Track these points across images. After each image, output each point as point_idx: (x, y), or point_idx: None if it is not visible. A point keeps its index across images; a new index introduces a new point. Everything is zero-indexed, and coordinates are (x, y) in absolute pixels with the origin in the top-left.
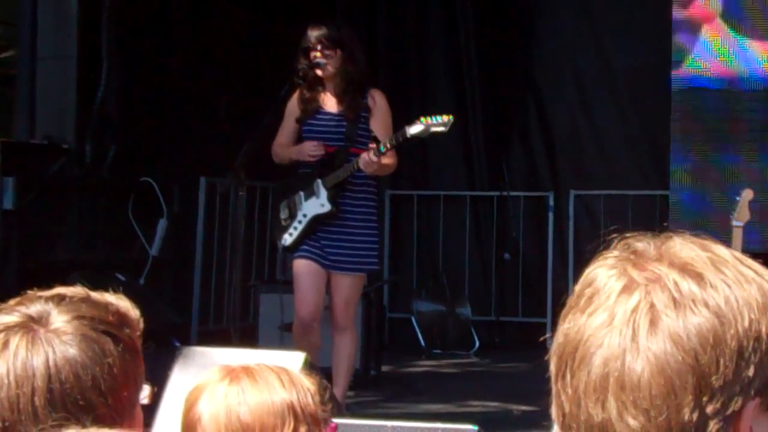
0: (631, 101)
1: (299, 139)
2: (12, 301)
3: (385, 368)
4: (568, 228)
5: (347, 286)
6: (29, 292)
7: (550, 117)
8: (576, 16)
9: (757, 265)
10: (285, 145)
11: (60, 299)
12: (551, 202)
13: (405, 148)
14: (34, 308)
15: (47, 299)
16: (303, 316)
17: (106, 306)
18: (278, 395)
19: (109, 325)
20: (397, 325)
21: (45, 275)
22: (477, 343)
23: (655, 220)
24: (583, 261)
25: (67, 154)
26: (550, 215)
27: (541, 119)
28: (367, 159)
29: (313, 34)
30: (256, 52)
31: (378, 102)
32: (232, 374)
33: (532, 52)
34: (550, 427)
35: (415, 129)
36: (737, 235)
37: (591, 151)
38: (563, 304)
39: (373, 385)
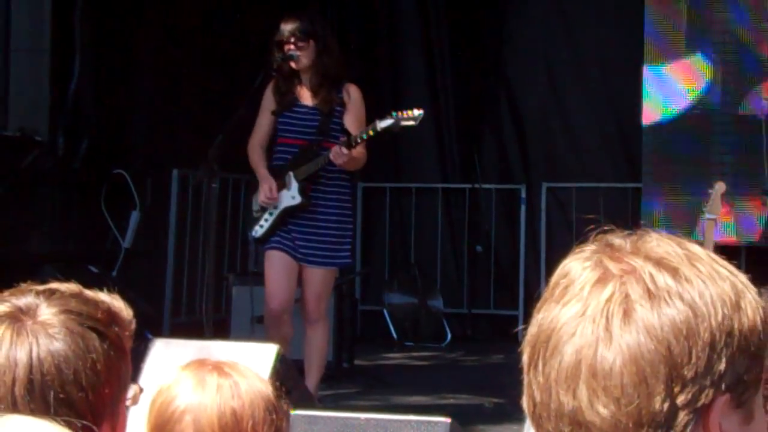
0: (603, 94)
1: (276, 132)
2: (6, 292)
3: (357, 361)
4: (540, 220)
5: (318, 280)
6: (23, 284)
7: (521, 109)
8: (547, 8)
9: (729, 265)
10: (260, 150)
11: (51, 293)
12: (523, 195)
13: (377, 140)
14: (24, 300)
15: (39, 292)
16: (273, 308)
17: (96, 303)
18: (264, 390)
19: (97, 321)
20: (369, 317)
21: (18, 268)
22: (449, 336)
23: (627, 212)
24: (555, 253)
25: (40, 146)
26: (523, 207)
27: (513, 112)
28: (337, 151)
29: (287, 27)
30: (229, 45)
31: (353, 96)
32: (217, 369)
33: (503, 45)
34: (523, 420)
35: (385, 123)
36: (710, 228)
37: (563, 143)
38: (539, 296)
39: (345, 378)
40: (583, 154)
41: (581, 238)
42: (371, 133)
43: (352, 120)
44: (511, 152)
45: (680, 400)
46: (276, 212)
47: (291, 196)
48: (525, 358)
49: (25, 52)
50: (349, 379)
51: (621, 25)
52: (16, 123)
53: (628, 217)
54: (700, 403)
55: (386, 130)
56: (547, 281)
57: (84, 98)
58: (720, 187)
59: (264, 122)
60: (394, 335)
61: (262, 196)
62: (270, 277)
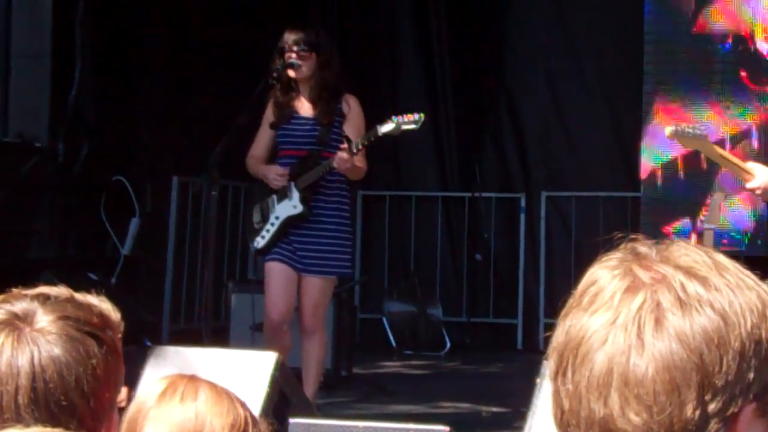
0: (602, 103)
1: (275, 144)
2: None
3: (356, 369)
4: (540, 229)
5: (317, 289)
6: (13, 289)
7: (521, 118)
8: (548, 17)
9: (753, 275)
10: (259, 158)
11: (45, 298)
12: (523, 203)
13: (377, 148)
14: (20, 306)
15: (32, 298)
16: (273, 319)
17: (90, 307)
18: (240, 410)
19: (94, 326)
20: (368, 325)
21: (17, 274)
22: (448, 344)
23: (626, 221)
24: (554, 262)
25: (40, 152)
26: (522, 216)
27: (513, 120)
28: (340, 156)
29: (291, 36)
30: (231, 53)
31: (353, 108)
32: (185, 390)
33: (503, 53)
34: (521, 428)
35: (386, 127)
36: (708, 238)
37: (562, 152)
38: (563, 304)
39: (344, 386)
40: (582, 164)
41: (607, 246)
42: (372, 138)
43: (352, 130)
44: (511, 161)
45: (711, 408)
46: (277, 223)
47: (292, 206)
48: (552, 365)
49: (26, 58)
50: (348, 388)
51: (621, 35)
52: (16, 129)
53: (628, 226)
54: (729, 412)
55: (387, 134)
56: (546, 290)
57: (84, 105)
58: (719, 197)
59: (263, 136)
60: (393, 343)
61: (273, 178)
62: (270, 289)
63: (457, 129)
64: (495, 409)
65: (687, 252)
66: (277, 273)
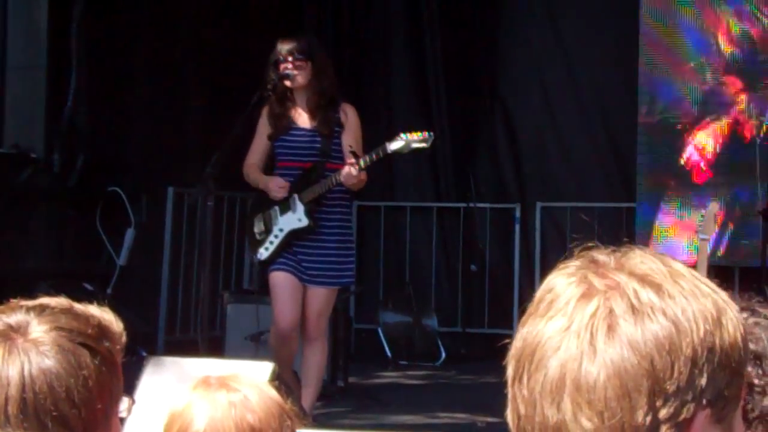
0: (597, 113)
1: (272, 156)
2: None
3: (351, 379)
4: (535, 240)
5: (322, 299)
6: (12, 300)
7: (516, 128)
8: (542, 27)
9: (710, 282)
10: (256, 167)
11: (41, 309)
12: (518, 214)
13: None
14: (15, 317)
15: (29, 309)
16: (283, 328)
17: (87, 318)
18: (275, 398)
19: (88, 337)
20: (363, 336)
21: (12, 285)
22: (443, 354)
23: (622, 232)
24: (549, 272)
25: (36, 163)
26: (517, 227)
27: (508, 131)
28: (348, 172)
29: (284, 46)
30: (225, 62)
31: (350, 116)
32: (225, 386)
33: (498, 64)
34: None
35: (395, 145)
36: (703, 249)
37: (557, 163)
38: (523, 311)
39: (340, 397)
40: (577, 174)
41: (566, 254)
42: (381, 154)
43: (350, 140)
44: (506, 171)
45: (662, 414)
46: (281, 235)
47: (297, 219)
48: (510, 371)
49: (21, 68)
50: (343, 398)
51: (616, 45)
52: (12, 140)
53: (623, 236)
54: (681, 417)
55: (396, 152)
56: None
57: (80, 115)
58: (713, 207)
59: (259, 147)
60: (389, 354)
61: (274, 190)
62: (277, 299)
63: (451, 139)
64: (490, 420)
65: (643, 260)
66: (283, 283)
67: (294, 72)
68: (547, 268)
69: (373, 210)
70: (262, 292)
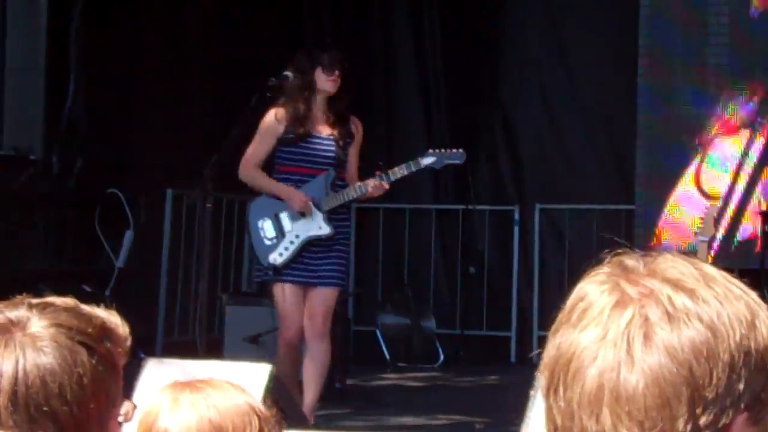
0: (596, 115)
1: (274, 158)
2: (0, 304)
3: (350, 381)
4: (533, 242)
5: (329, 298)
6: (18, 297)
7: (515, 130)
8: (542, 31)
9: (741, 284)
10: (262, 171)
11: (44, 307)
12: (517, 216)
13: (370, 160)
14: (17, 312)
15: (32, 305)
16: (290, 338)
17: (89, 318)
18: (240, 398)
19: (87, 336)
20: (361, 338)
21: (11, 286)
22: (441, 356)
23: (620, 234)
24: (548, 274)
25: (35, 165)
26: (516, 229)
27: (507, 132)
28: (376, 184)
29: (330, 54)
30: (224, 64)
31: (359, 130)
32: (189, 386)
33: (498, 67)
34: None
35: (428, 160)
36: (702, 250)
37: (556, 165)
38: (553, 320)
39: (338, 398)
40: (576, 176)
41: (595, 260)
42: (413, 169)
43: (356, 152)
44: (505, 174)
45: (703, 421)
46: (297, 242)
47: (318, 226)
48: (544, 382)
49: (20, 71)
50: (342, 400)
51: (616, 48)
52: (11, 142)
53: (621, 238)
54: (721, 424)
55: (429, 167)
56: (539, 302)
57: (78, 117)
58: (712, 209)
59: (265, 148)
60: (387, 356)
61: (299, 204)
62: (286, 310)
63: (451, 141)
64: (488, 421)
65: (674, 264)
66: (289, 293)
67: (338, 81)
68: (545, 270)
69: (372, 212)
70: (261, 294)
